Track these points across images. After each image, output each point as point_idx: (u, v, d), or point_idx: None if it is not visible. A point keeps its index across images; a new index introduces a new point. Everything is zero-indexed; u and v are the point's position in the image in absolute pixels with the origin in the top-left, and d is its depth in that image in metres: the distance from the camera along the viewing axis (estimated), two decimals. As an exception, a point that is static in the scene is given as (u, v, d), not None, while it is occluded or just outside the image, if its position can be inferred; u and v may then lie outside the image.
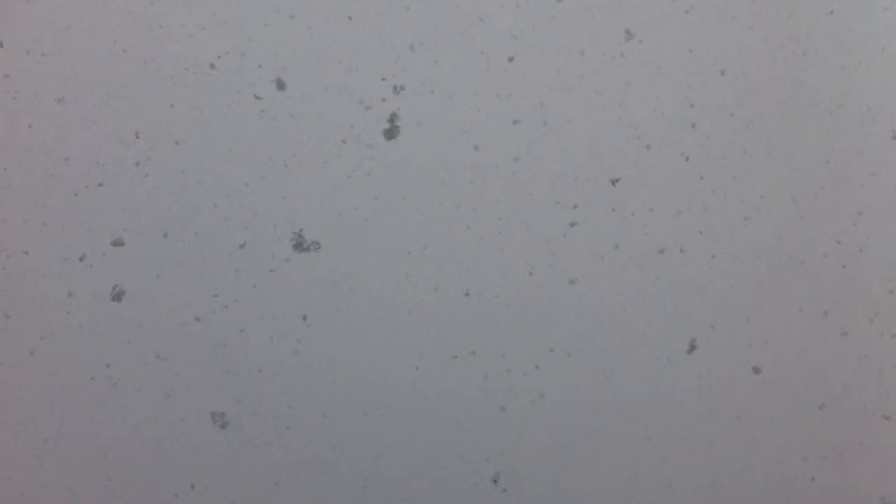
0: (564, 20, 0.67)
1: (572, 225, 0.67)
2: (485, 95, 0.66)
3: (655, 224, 0.67)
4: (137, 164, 0.64)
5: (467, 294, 0.66)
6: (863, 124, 0.68)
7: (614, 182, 0.66)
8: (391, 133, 0.66)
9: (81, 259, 0.64)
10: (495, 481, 0.67)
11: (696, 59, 0.68)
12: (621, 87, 0.67)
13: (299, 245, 0.65)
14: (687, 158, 0.68)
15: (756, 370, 0.68)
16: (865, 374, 0.68)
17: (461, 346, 0.67)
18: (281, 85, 0.65)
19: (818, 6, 0.68)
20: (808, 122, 0.68)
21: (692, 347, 0.68)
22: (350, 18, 0.65)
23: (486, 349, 0.67)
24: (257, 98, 0.65)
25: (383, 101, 0.66)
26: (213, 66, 0.64)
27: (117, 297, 0.64)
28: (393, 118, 0.66)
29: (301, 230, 0.65)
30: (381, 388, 0.66)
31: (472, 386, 0.67)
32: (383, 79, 0.66)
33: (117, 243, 0.64)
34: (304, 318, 0.65)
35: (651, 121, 0.67)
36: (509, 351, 0.67)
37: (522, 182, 0.67)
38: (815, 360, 0.68)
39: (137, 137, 0.64)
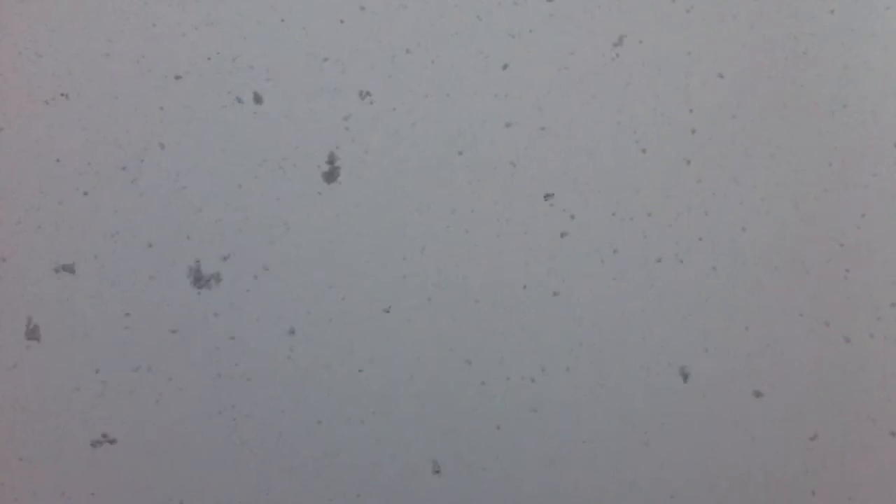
0: (562, 20, 0.66)
1: (566, 232, 0.67)
2: (482, 96, 0.66)
3: (654, 229, 0.67)
4: (124, 168, 0.64)
5: (465, 300, 0.66)
6: (866, 125, 0.68)
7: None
8: (386, 135, 0.65)
9: (71, 264, 0.63)
10: (493, 488, 0.67)
11: (695, 60, 0.67)
12: (620, 89, 0.67)
13: (293, 248, 0.65)
14: (688, 162, 0.67)
15: (757, 391, 0.68)
16: (869, 385, 0.68)
17: (458, 353, 0.66)
18: (274, 86, 0.64)
19: (819, 6, 0.68)
20: (810, 124, 0.68)
21: (692, 356, 0.67)
22: (342, 22, 0.65)
23: (483, 356, 0.66)
24: (249, 100, 0.64)
25: (375, 103, 0.65)
26: (204, 67, 0.64)
27: (106, 302, 0.63)
28: (388, 120, 0.65)
29: (294, 233, 0.65)
30: (377, 394, 0.66)
31: (469, 392, 0.66)
32: (378, 80, 0.65)
33: (106, 247, 0.64)
34: (298, 323, 0.65)
35: (650, 124, 0.67)
36: (507, 357, 0.66)
37: (520, 185, 0.66)
38: (816, 369, 0.68)
39: (127, 139, 0.64)
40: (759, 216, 0.67)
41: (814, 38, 0.68)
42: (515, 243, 0.66)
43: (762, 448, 0.68)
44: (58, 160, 0.63)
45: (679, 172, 0.67)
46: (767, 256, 0.67)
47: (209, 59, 0.64)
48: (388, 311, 0.66)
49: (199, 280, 0.64)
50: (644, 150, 0.67)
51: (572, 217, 0.67)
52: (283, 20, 0.65)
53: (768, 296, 0.67)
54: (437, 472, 0.66)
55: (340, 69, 0.65)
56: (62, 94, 0.63)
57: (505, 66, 0.66)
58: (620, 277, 0.67)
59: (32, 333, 0.63)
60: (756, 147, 0.67)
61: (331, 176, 0.65)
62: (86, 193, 0.63)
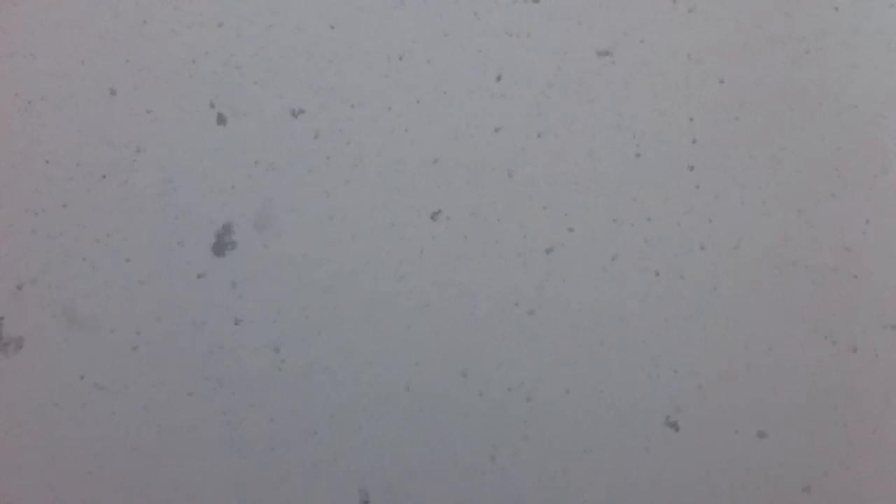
0: (561, 20, 0.66)
1: (564, 239, 0.66)
2: (480, 96, 0.66)
3: (654, 235, 0.67)
4: (105, 177, 0.63)
5: (462, 308, 0.66)
6: (871, 127, 0.67)
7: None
8: (380, 139, 0.65)
9: (62, 268, 0.63)
10: (493, 491, 0.66)
11: (696, 61, 0.67)
12: (619, 91, 0.66)
13: (287, 252, 0.64)
14: (691, 168, 0.67)
15: (759, 400, 0.67)
16: (877, 396, 0.68)
17: (456, 363, 0.66)
18: (265, 87, 0.64)
19: (822, 3, 0.68)
20: (814, 125, 0.67)
21: (694, 360, 0.67)
22: (332, 28, 0.65)
23: (480, 366, 0.66)
24: (240, 101, 0.64)
25: (370, 105, 0.65)
26: (194, 68, 0.63)
27: (99, 305, 0.63)
28: (382, 123, 0.65)
29: (288, 236, 0.64)
30: (374, 401, 0.65)
31: (467, 402, 0.66)
32: (373, 81, 0.65)
33: (96, 250, 0.63)
34: (293, 328, 0.65)
35: (650, 128, 0.67)
36: (505, 364, 0.66)
37: (519, 189, 0.66)
38: (818, 372, 0.67)
39: (121, 141, 0.63)
40: (763, 219, 0.67)
41: (817, 37, 0.67)
42: (514, 248, 0.66)
43: (766, 453, 0.68)
44: (47, 161, 0.63)
45: (681, 177, 0.67)
46: (771, 258, 0.67)
47: (193, 61, 0.64)
48: (384, 316, 0.65)
49: (192, 284, 0.64)
50: (639, 155, 0.67)
51: (570, 229, 0.66)
52: (271, 25, 0.64)
53: (771, 299, 0.67)
54: (437, 475, 0.66)
55: (335, 70, 0.65)
56: (52, 96, 0.63)
57: (501, 69, 0.66)
58: (621, 284, 0.67)
59: (18, 340, 0.63)
60: (759, 150, 0.67)
61: (326, 178, 0.65)
62: (75, 196, 0.63)
